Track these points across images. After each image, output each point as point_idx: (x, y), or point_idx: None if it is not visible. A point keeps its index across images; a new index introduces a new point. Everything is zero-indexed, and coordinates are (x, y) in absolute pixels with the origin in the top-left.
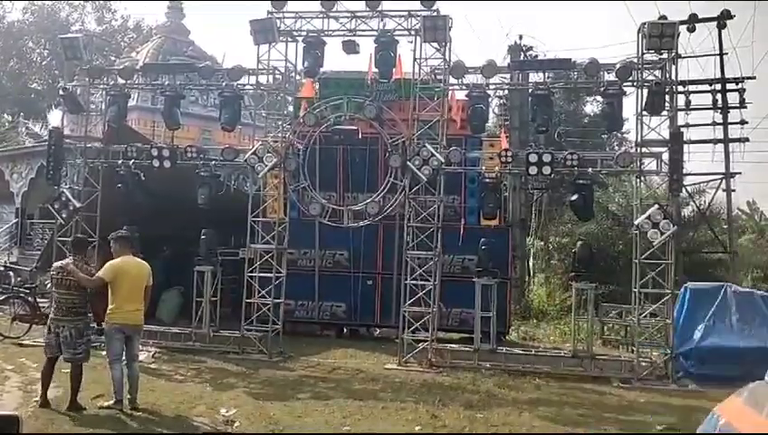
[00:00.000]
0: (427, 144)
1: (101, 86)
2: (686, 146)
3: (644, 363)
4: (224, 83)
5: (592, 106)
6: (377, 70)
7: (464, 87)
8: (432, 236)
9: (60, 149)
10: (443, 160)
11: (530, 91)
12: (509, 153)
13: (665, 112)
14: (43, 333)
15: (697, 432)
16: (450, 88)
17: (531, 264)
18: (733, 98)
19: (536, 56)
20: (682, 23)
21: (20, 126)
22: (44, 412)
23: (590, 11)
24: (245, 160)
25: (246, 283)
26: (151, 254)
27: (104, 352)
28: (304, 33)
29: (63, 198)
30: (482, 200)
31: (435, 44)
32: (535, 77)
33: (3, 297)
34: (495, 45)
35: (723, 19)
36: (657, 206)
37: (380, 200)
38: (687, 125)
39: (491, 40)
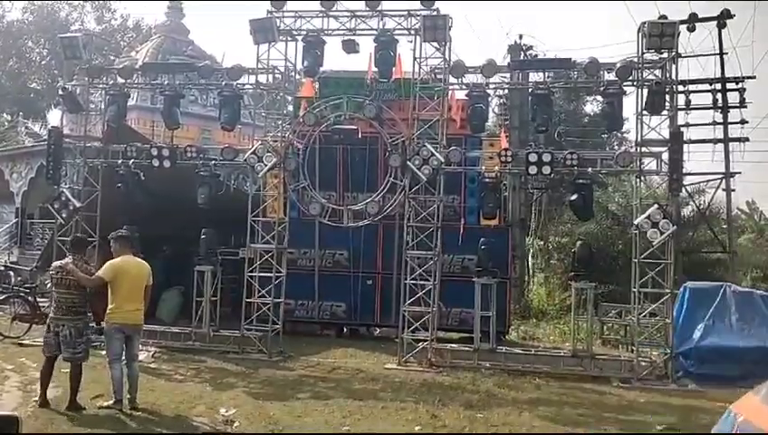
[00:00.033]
0: (426, 144)
1: (101, 86)
2: (685, 146)
3: (644, 363)
4: (223, 83)
5: (592, 106)
6: (376, 69)
7: (463, 86)
8: (432, 235)
9: (59, 149)
10: (443, 160)
11: (530, 90)
12: (509, 153)
13: (665, 112)
14: (42, 333)
15: (713, 432)
16: (450, 87)
17: (530, 263)
18: (733, 97)
19: (536, 56)
20: (682, 22)
21: (19, 125)
22: (44, 412)
23: (590, 10)
24: (245, 160)
25: (246, 282)
26: (151, 253)
27: (104, 352)
28: (304, 33)
29: (63, 198)
30: (482, 200)
31: (434, 44)
32: (535, 76)
33: (3, 297)
34: (495, 45)
35: (723, 19)
36: (656, 205)
37: (380, 200)
38: (687, 125)
39: (491, 39)
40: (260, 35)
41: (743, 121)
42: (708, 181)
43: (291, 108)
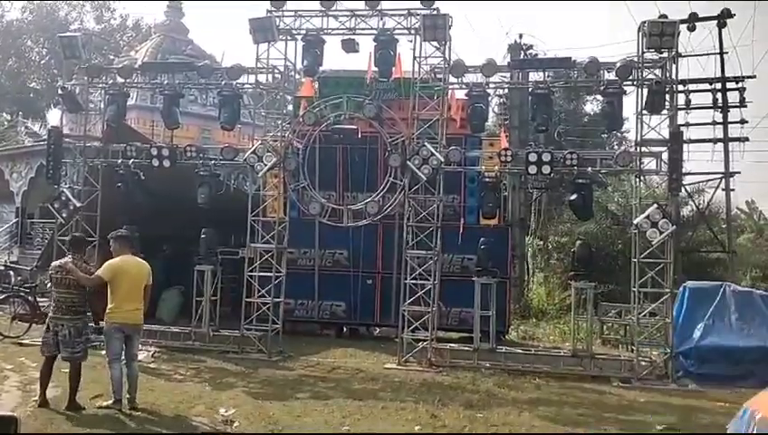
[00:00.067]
0: (426, 143)
1: (100, 85)
2: (685, 145)
3: (644, 363)
4: (223, 82)
5: (592, 105)
6: (376, 69)
7: (463, 86)
8: (431, 235)
9: (59, 149)
10: (442, 160)
11: (530, 90)
12: (508, 152)
13: (665, 111)
14: (42, 333)
15: (729, 432)
16: (450, 87)
17: (530, 263)
18: (733, 97)
19: (536, 55)
20: (682, 21)
21: (19, 125)
22: (43, 412)
23: (590, 10)
24: (245, 160)
25: (246, 282)
26: (151, 253)
27: (103, 352)
28: (304, 32)
29: (63, 198)
30: (481, 200)
31: (434, 43)
32: (535, 76)
33: (3, 296)
34: (495, 44)
35: (723, 18)
36: (656, 205)
37: (380, 200)
38: (687, 124)
39: (491, 39)
40: (259, 35)
41: (742, 121)
42: (708, 181)
43: (290, 107)
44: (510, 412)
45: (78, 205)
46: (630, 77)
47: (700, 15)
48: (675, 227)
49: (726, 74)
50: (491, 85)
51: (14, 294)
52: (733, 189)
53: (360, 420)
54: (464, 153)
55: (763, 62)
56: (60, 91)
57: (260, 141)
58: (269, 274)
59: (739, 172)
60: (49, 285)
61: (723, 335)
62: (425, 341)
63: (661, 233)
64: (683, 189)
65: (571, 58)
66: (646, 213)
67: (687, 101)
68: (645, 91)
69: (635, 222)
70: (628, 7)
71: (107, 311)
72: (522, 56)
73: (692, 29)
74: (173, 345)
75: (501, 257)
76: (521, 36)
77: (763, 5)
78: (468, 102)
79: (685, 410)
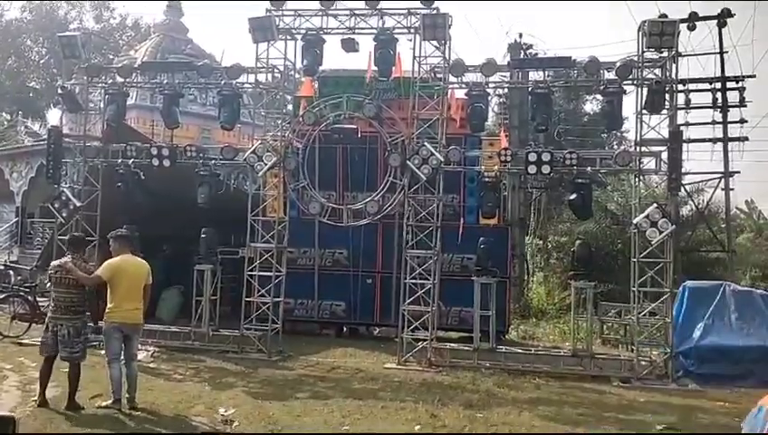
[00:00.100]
0: (426, 143)
1: (100, 85)
2: (685, 145)
3: (644, 362)
4: (222, 82)
5: (592, 105)
6: (376, 68)
7: (463, 85)
8: (431, 235)
9: (59, 148)
10: (442, 159)
11: (529, 89)
12: (508, 152)
13: (664, 111)
14: (42, 333)
15: (744, 431)
16: (450, 86)
17: (530, 263)
18: (732, 97)
19: (536, 54)
20: (682, 21)
21: (19, 125)
22: (43, 412)
23: (590, 9)
24: (245, 159)
25: (246, 282)
26: (151, 253)
27: (102, 351)
28: (303, 32)
29: (63, 197)
30: (481, 199)
31: (434, 43)
32: (535, 75)
33: (3, 296)
34: (495, 44)
35: (723, 17)
36: (655, 205)
37: (380, 199)
38: (687, 124)
39: (491, 38)
40: (259, 34)
41: (742, 121)
42: (707, 180)
43: (290, 107)
44: (510, 412)
45: (78, 204)
46: (630, 76)
47: (700, 15)
48: (674, 226)
49: (726, 74)
50: (491, 85)
51: (14, 293)
52: (732, 189)
53: (359, 420)
54: (463, 153)
55: (762, 62)
56: (59, 91)
57: (260, 141)
58: (269, 273)
59: (738, 172)
60: (48, 284)
61: (722, 335)
62: (425, 340)
63: (661, 232)
64: (682, 189)
65: (570, 57)
66: (645, 212)
67: (687, 101)
68: (645, 90)
69: (634, 222)
70: (628, 7)
71: (106, 311)
72: (521, 56)
73: (692, 28)
74: (172, 345)
75: (500, 257)
76: (520, 36)
77: (763, 5)
78: (468, 102)
79: (685, 409)
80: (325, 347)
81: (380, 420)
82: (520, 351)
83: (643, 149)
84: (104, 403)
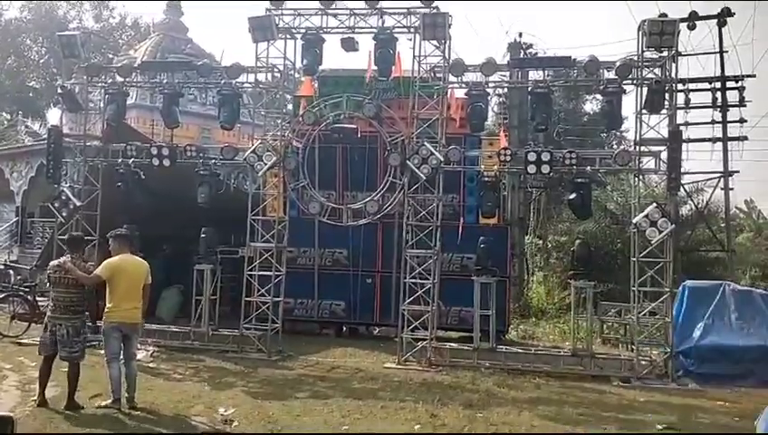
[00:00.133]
0: (426, 143)
1: (100, 84)
2: (684, 144)
3: (644, 362)
4: (222, 81)
5: (592, 104)
6: (376, 68)
7: (463, 85)
8: (431, 234)
9: (59, 148)
10: (442, 159)
11: (529, 89)
12: (508, 152)
13: (664, 111)
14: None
15: (759, 430)
16: (449, 86)
17: (529, 262)
18: (732, 96)
19: (536, 54)
20: (682, 20)
21: (19, 124)
22: (42, 411)
23: (590, 9)
24: (245, 159)
25: (246, 281)
26: (151, 252)
27: (102, 351)
28: (303, 31)
29: (64, 197)
30: (481, 199)
31: (434, 42)
32: (535, 75)
33: (2, 296)
34: (495, 43)
35: (723, 17)
36: (655, 204)
37: (379, 199)
38: (686, 123)
39: (490, 38)
40: (259, 33)
41: (742, 120)
42: (707, 180)
43: (290, 107)
44: (510, 412)
45: (78, 204)
46: (630, 76)
47: (700, 14)
48: (674, 226)
49: (726, 73)
50: (490, 84)
51: (14, 293)
52: (732, 188)
53: (359, 420)
54: (463, 152)
55: (762, 62)
56: (59, 91)
57: (260, 141)
58: (269, 273)
59: (738, 171)
60: (48, 284)
61: (722, 334)
62: (424, 340)
63: (660, 232)
64: (682, 188)
65: (570, 57)
66: (645, 212)
67: (687, 101)
68: (644, 90)
69: (634, 221)
70: (628, 6)
71: (105, 310)
72: (521, 55)
73: (692, 28)
74: (172, 345)
75: (500, 256)
76: (520, 35)
77: (763, 5)
78: (468, 102)
79: (685, 409)
80: (325, 347)
81: (380, 419)
82: (520, 350)
83: (643, 148)
84: (104, 403)
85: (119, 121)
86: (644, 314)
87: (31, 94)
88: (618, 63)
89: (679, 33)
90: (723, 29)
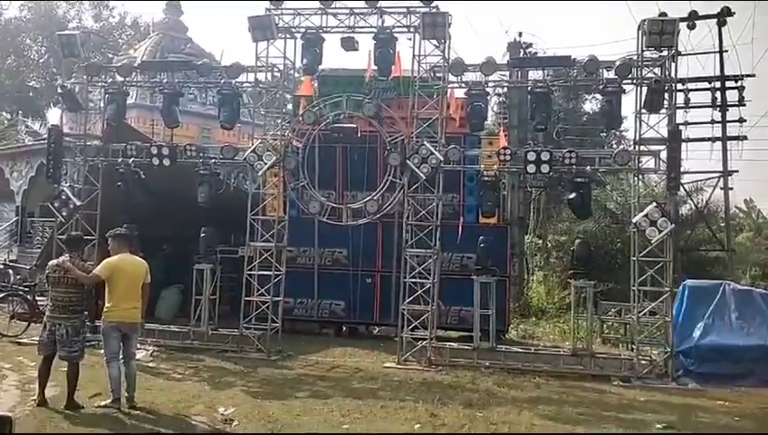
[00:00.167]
0: (425, 142)
1: (100, 84)
2: (684, 144)
3: (644, 362)
4: (222, 81)
5: (591, 104)
6: (376, 67)
7: (463, 85)
8: (431, 234)
9: (59, 148)
10: (442, 159)
11: (529, 88)
12: (507, 151)
13: (663, 110)
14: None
15: None
16: (449, 86)
17: (529, 262)
18: (732, 96)
19: (535, 54)
20: (682, 20)
21: (19, 124)
22: (42, 411)
23: (589, 8)
24: (245, 159)
25: (245, 281)
26: (151, 252)
27: (101, 351)
28: (303, 30)
29: (64, 196)
30: (480, 198)
31: (434, 42)
32: (534, 75)
33: (2, 295)
34: (495, 43)
35: (723, 16)
36: (654, 204)
37: (379, 198)
38: (686, 123)
39: (490, 37)
40: (258, 33)
41: (741, 120)
42: (706, 180)
43: (290, 106)
44: (510, 411)
45: (78, 203)
46: (630, 76)
47: (700, 14)
48: (673, 225)
49: (726, 73)
50: (490, 84)
51: (13, 292)
52: (731, 188)
53: (359, 419)
54: (463, 152)
55: (762, 61)
56: (59, 90)
57: (260, 140)
58: (268, 272)
59: (737, 171)
60: (47, 284)
61: (723, 334)
62: (424, 340)
63: (660, 231)
64: (681, 188)
65: (570, 57)
66: (644, 211)
67: (686, 100)
68: (644, 89)
69: (634, 221)
70: (628, 6)
71: (104, 310)
72: (521, 55)
73: (692, 27)
74: (172, 344)
75: (500, 256)
76: (520, 35)
77: (763, 5)
78: (467, 101)
79: (685, 408)
80: (325, 346)
81: (380, 419)
82: (520, 350)
83: (642, 148)
84: (103, 402)
85: (119, 121)
86: (644, 314)
87: (31, 94)
88: (617, 63)
89: (679, 32)
90: (722, 29)
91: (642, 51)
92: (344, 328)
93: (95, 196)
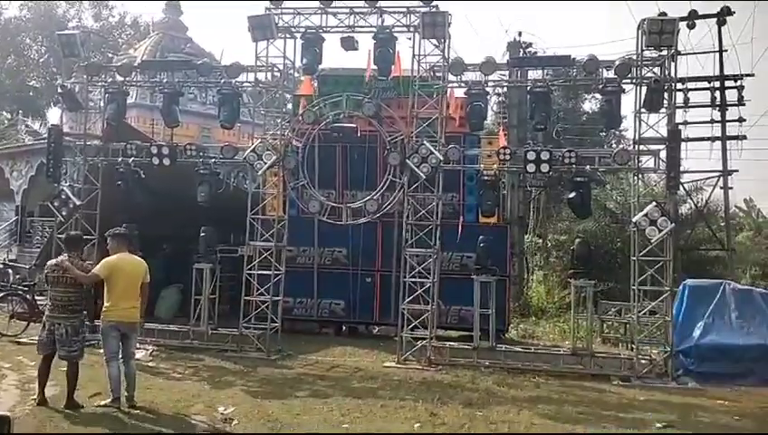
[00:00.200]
0: (425, 142)
1: (100, 83)
2: (683, 143)
3: (643, 361)
4: (222, 81)
5: (591, 103)
6: (375, 67)
7: (462, 84)
8: (431, 233)
9: (59, 147)
10: (441, 158)
11: (528, 88)
12: (507, 151)
13: (663, 110)
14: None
15: None
16: (449, 85)
17: (529, 261)
18: (731, 95)
19: (535, 53)
20: (682, 19)
21: (19, 123)
22: (42, 410)
23: (589, 8)
24: (245, 158)
25: (245, 280)
26: (151, 251)
27: (101, 350)
28: (303, 30)
29: (63, 196)
30: (480, 198)
31: (434, 41)
32: (534, 74)
33: (1, 295)
34: (495, 42)
35: (722, 16)
36: (654, 203)
37: (379, 198)
38: (686, 123)
39: (490, 37)
40: (258, 32)
41: (741, 119)
42: (706, 179)
43: (290, 106)
44: (509, 410)
45: (78, 203)
46: (629, 75)
47: (700, 13)
48: (673, 225)
49: (725, 72)
50: (490, 83)
51: (13, 292)
52: (731, 187)
53: (359, 419)
54: (463, 151)
55: (761, 61)
56: (59, 90)
57: (259, 140)
58: (268, 272)
59: (737, 170)
60: (46, 283)
61: (723, 333)
62: (424, 339)
63: (660, 231)
64: (681, 187)
65: (570, 56)
66: (644, 211)
67: (686, 100)
68: (644, 89)
69: (633, 220)
70: (628, 5)
71: (103, 309)
72: (521, 54)
73: (691, 27)
74: (171, 344)
75: (500, 255)
76: (520, 34)
77: (763, 4)
78: (467, 101)
79: (684, 408)
80: (324, 346)
81: (380, 418)
82: (519, 349)
83: (642, 147)
84: (103, 402)
85: (119, 121)
86: (644, 313)
87: (31, 93)
88: (617, 62)
89: (679, 32)
90: (722, 28)
91: (642, 50)
92: (344, 328)
93: (95, 195)
